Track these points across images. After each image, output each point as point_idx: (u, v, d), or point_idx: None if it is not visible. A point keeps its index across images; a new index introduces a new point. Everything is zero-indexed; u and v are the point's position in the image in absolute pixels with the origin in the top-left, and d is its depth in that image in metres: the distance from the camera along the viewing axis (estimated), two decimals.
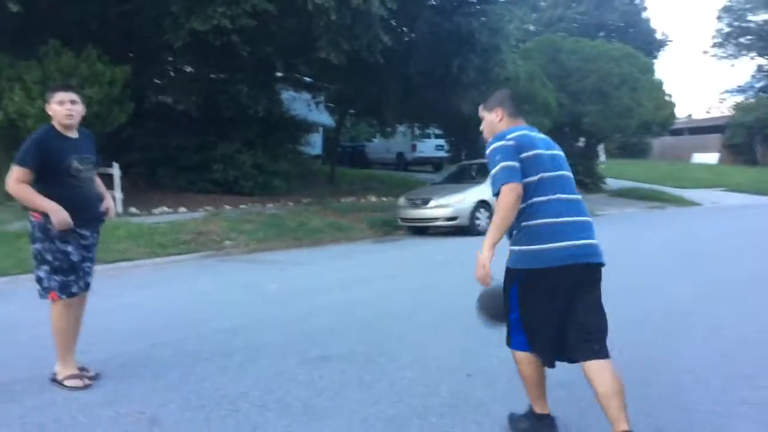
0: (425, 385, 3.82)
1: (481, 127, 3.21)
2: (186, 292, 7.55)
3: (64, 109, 3.86)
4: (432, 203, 13.09)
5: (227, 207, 14.40)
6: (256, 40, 13.54)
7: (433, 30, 15.51)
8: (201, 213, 13.40)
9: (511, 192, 2.77)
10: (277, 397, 3.66)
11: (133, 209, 13.25)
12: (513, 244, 2.94)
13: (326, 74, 17.91)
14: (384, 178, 22.22)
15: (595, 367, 2.76)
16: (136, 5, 12.87)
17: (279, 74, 18.01)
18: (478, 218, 12.98)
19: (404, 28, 16.09)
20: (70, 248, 3.85)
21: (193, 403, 3.58)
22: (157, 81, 16.96)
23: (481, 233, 12.83)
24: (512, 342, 3.02)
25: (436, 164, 27.31)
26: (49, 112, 3.92)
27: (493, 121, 3.13)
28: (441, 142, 26.59)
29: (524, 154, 2.87)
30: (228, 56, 14.22)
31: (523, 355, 2.99)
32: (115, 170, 13.05)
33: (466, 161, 18.44)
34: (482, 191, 13.21)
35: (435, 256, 10.43)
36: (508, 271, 2.97)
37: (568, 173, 3.00)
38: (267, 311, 6.15)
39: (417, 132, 25.15)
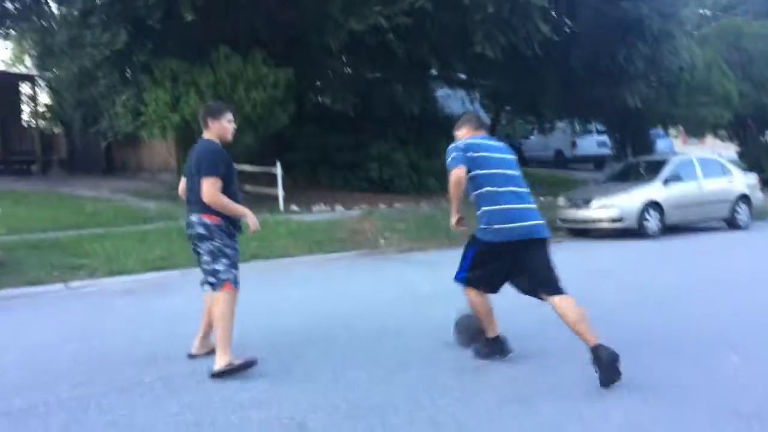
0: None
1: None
2: (340, 290, 7.57)
3: (231, 126, 4.41)
4: (594, 203, 12.23)
5: (382, 205, 14.47)
6: (412, 37, 13.45)
7: (597, 18, 14.54)
8: (357, 211, 13.57)
9: (453, 175, 4.06)
10: (429, 415, 3.41)
11: (293, 207, 13.72)
12: (478, 222, 4.16)
13: (481, 70, 17.46)
14: (542, 177, 21.31)
15: (557, 300, 3.94)
16: (299, 11, 13.30)
17: (433, 72, 17.85)
18: (647, 219, 11.93)
19: (565, 18, 15.23)
20: (237, 246, 4.36)
21: (342, 412, 3.44)
22: (316, 83, 17.49)
23: (651, 236, 11.81)
24: (457, 276, 4.33)
25: (598, 162, 25.79)
26: (214, 127, 4.33)
27: (461, 137, 4.36)
28: (604, 138, 25.06)
29: (471, 154, 4.12)
30: (383, 55, 14.29)
31: (470, 289, 4.29)
32: (278, 169, 13.57)
33: (632, 158, 17.14)
34: (652, 191, 12.11)
35: (599, 260, 9.69)
36: (472, 239, 4.28)
37: (518, 173, 4.24)
38: (419, 314, 5.96)
39: (577, 128, 23.90)
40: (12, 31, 17.69)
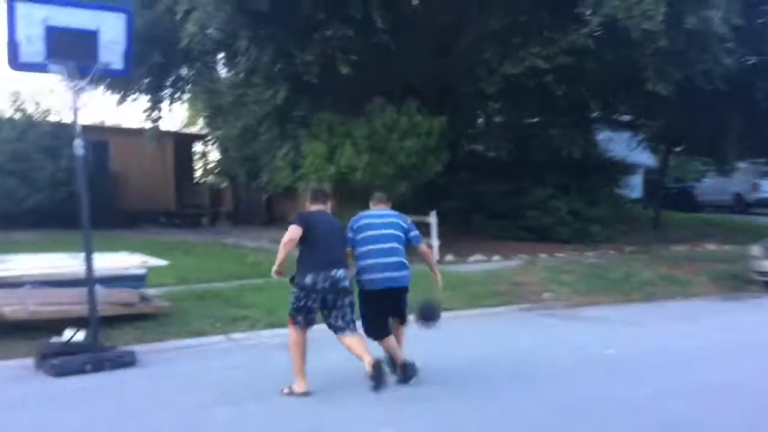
0: None
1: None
2: (505, 350, 6.87)
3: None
4: None
5: (542, 255, 13.56)
6: (571, 78, 12.69)
7: None
8: (515, 261, 12.79)
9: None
10: None
11: (449, 257, 13.24)
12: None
13: (649, 109, 16.19)
14: (721, 223, 19.23)
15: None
16: (452, 58, 13.10)
17: (595, 114, 16.82)
18: None
19: (748, 48, 13.72)
20: None
21: None
22: (469, 129, 17.14)
23: None
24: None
25: None
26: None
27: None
28: None
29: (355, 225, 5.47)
30: (540, 98, 13.63)
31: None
32: (433, 219, 13.21)
33: None
34: None
35: None
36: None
37: (389, 231, 5.38)
38: (606, 386, 5.12)
39: (762, 169, 21.43)
40: (187, 95, 19.16)
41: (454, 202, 15.70)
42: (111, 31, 6.22)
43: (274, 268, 5.23)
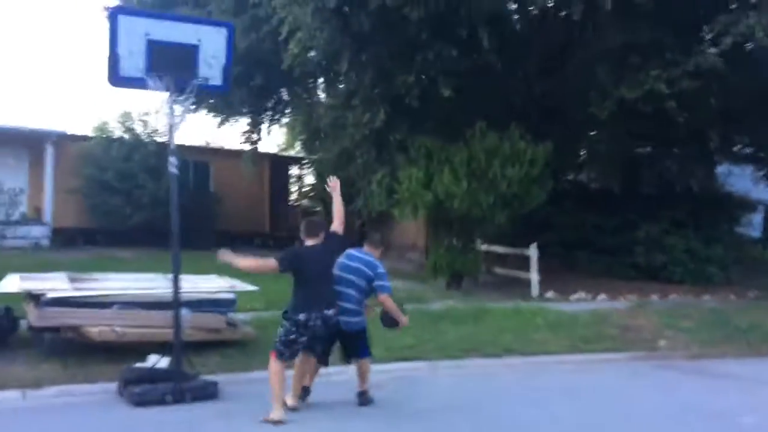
0: None
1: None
2: (618, 407, 6.04)
3: None
4: None
5: (654, 297, 12.42)
6: (694, 104, 11.62)
7: None
8: (623, 302, 11.75)
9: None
10: None
11: (549, 294, 12.37)
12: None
13: None
14: None
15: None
16: (559, 81, 12.36)
17: (715, 144, 15.49)
18: None
19: None
20: None
21: None
22: (575, 158, 16.21)
23: None
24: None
25: None
26: None
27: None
28: None
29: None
30: (657, 126, 12.59)
31: None
32: (533, 252, 12.42)
33: None
34: None
35: None
36: None
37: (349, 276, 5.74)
38: None
39: None
40: (286, 118, 19.33)
41: (556, 234, 14.82)
42: (211, 46, 6.02)
43: (233, 259, 5.31)
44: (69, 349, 6.62)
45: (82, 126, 34.78)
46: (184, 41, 5.87)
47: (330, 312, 5.35)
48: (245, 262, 5.50)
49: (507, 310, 10.43)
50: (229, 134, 29.77)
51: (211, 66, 6.05)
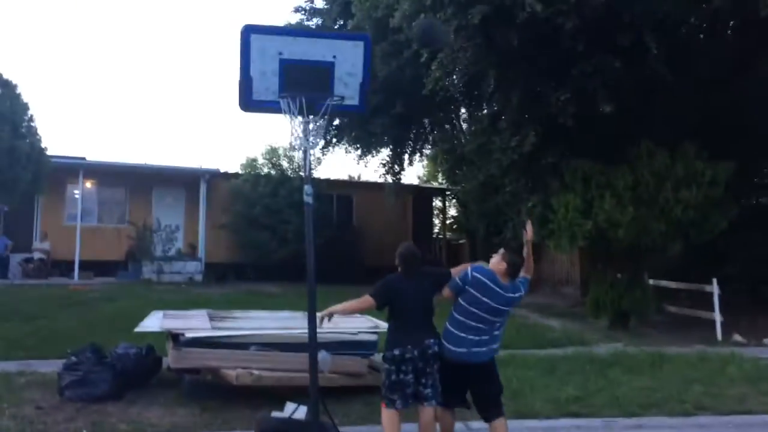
0: None
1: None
2: None
3: None
4: None
5: None
6: None
7: None
8: None
9: None
10: None
11: (736, 337, 10.59)
12: None
13: None
14: None
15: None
16: (740, 90, 10.71)
17: None
18: None
19: None
20: None
21: None
22: (756, 179, 14.14)
23: None
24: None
25: None
26: None
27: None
28: None
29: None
30: None
31: None
32: (714, 288, 10.73)
33: None
34: None
35: None
36: None
37: None
38: None
39: None
40: (427, 148, 18.81)
41: (737, 267, 12.87)
42: (347, 63, 5.45)
43: (333, 309, 4.92)
44: (209, 391, 6.28)
45: (233, 164, 36.74)
46: (318, 59, 5.36)
47: (430, 341, 4.70)
48: (343, 305, 5.05)
49: (690, 357, 8.92)
50: (371, 168, 30.05)
51: (347, 84, 5.48)
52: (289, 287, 15.68)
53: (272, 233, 16.91)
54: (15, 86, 9.50)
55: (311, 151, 5.50)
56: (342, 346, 6.52)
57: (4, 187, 9.25)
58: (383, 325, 7.27)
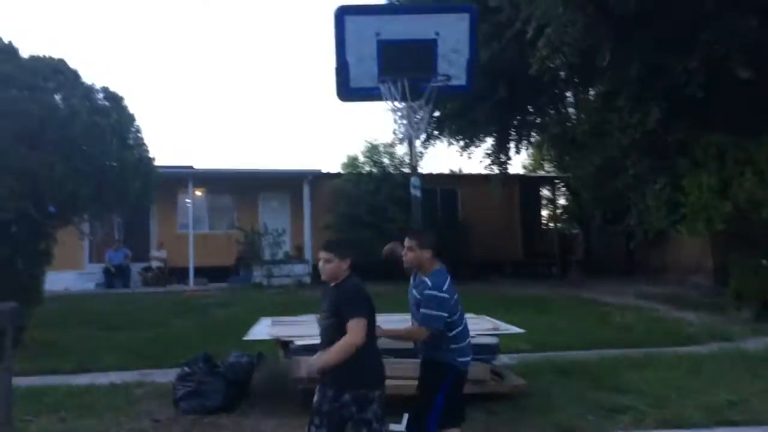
0: None
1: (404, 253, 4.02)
2: None
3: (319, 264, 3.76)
4: None
5: None
6: None
7: None
8: None
9: None
10: None
11: None
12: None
13: None
14: None
15: None
16: None
17: None
18: None
19: None
20: None
21: None
22: None
23: None
24: None
25: None
26: None
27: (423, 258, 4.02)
28: None
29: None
30: None
31: None
32: None
33: None
34: None
35: None
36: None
37: None
38: None
39: None
40: (533, 135, 17.89)
41: None
42: (451, 39, 4.96)
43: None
44: None
45: (335, 163, 37.13)
46: (419, 36, 4.90)
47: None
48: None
49: None
50: (474, 160, 29.13)
51: (452, 62, 4.99)
52: (394, 287, 15.31)
53: (376, 231, 16.61)
54: (121, 99, 9.66)
55: (416, 141, 5.04)
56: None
57: (116, 199, 9.42)
58: (504, 327, 6.69)
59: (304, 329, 6.60)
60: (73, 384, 6.99)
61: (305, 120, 57.27)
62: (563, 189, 21.47)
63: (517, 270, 18.71)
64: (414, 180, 4.91)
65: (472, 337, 6.27)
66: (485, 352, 6.15)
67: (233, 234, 17.56)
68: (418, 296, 4.01)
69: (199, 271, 16.91)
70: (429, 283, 3.93)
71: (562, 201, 22.87)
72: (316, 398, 3.72)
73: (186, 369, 6.21)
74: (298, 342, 5.95)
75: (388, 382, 5.64)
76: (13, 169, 8.01)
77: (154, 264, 17.54)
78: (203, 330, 10.46)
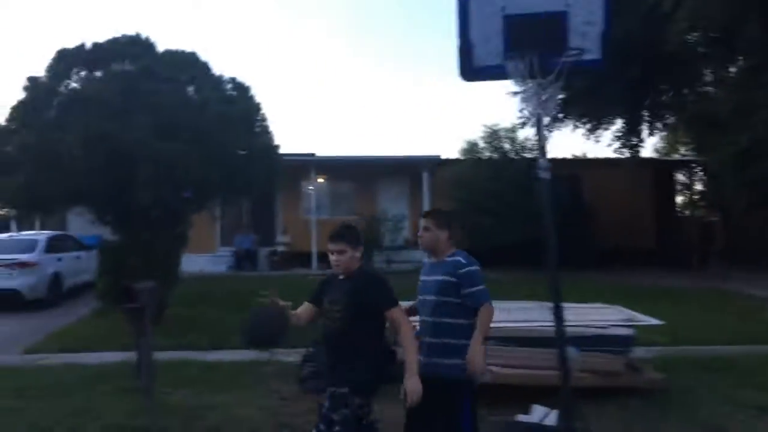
0: None
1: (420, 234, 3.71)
2: None
3: (331, 259, 3.48)
4: None
5: None
6: None
7: None
8: None
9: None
10: None
11: None
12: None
13: None
14: None
15: None
16: None
17: None
18: None
19: None
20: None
21: None
22: None
23: None
24: None
25: None
26: None
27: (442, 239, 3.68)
28: None
29: None
30: None
31: None
32: None
33: None
34: None
35: None
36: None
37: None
38: None
39: None
40: (667, 116, 16.74)
41: None
42: (583, 9, 4.63)
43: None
44: None
45: (453, 150, 36.88)
46: (548, 8, 4.61)
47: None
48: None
49: None
50: (601, 144, 27.78)
51: (585, 35, 4.64)
52: (516, 274, 14.91)
53: (496, 218, 16.27)
54: (248, 88, 10.02)
55: (544, 120, 4.76)
56: (592, 342, 5.67)
57: (244, 185, 9.80)
58: (641, 318, 6.27)
59: None
60: (207, 360, 7.36)
61: (424, 107, 57.29)
62: (700, 173, 20.01)
63: (649, 259, 17.65)
64: (542, 162, 4.64)
65: (603, 328, 5.97)
66: (619, 343, 5.79)
67: (353, 220, 17.86)
68: (450, 278, 3.58)
69: (322, 256, 17.35)
70: (462, 260, 3.61)
71: (699, 186, 21.34)
72: None
73: (311, 349, 6.34)
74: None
75: (520, 371, 5.48)
76: (152, 158, 8.51)
77: (280, 248, 18.21)
78: None
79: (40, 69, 9.30)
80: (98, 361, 7.58)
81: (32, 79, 9.01)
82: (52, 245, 12.78)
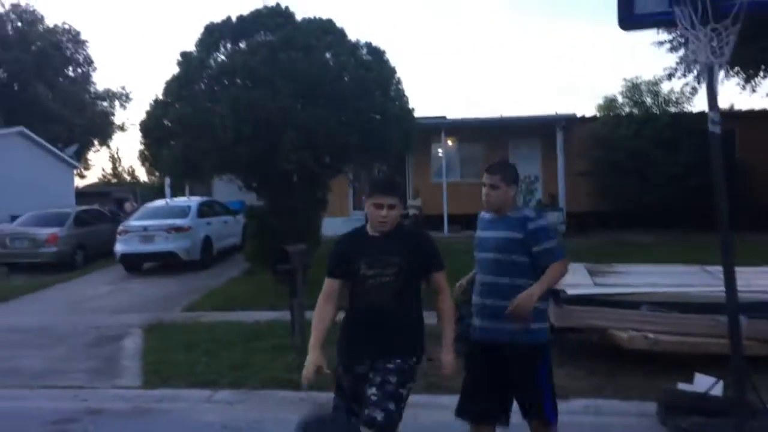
0: None
1: (487, 192, 3.38)
2: None
3: (379, 215, 3.03)
4: None
5: None
6: None
7: None
8: None
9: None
10: None
11: None
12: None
13: None
14: None
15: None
16: None
17: None
18: None
19: None
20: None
21: None
22: None
23: None
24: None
25: None
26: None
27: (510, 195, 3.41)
28: None
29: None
30: None
31: None
32: None
33: None
34: None
35: None
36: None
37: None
38: None
39: None
40: None
41: None
42: None
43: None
44: (591, 353, 5.71)
45: (588, 107, 35.29)
46: None
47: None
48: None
49: None
50: (757, 95, 25.04)
51: None
52: (662, 235, 14.13)
53: (638, 177, 15.41)
54: (383, 53, 10.06)
55: (717, 70, 4.37)
56: (759, 308, 5.28)
57: (379, 149, 9.92)
58: None
59: (576, 278, 6.32)
60: None
61: (558, 64, 55.12)
62: None
63: None
64: (713, 115, 4.31)
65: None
66: None
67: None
68: (515, 234, 3.26)
69: (452, 219, 17.30)
70: (531, 214, 3.35)
71: None
72: None
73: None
74: (571, 291, 5.69)
75: (680, 338, 5.21)
76: (294, 125, 8.80)
77: (411, 212, 18.32)
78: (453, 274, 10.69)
79: (191, 45, 9.86)
80: (252, 319, 8.07)
81: (184, 55, 9.56)
82: (203, 211, 13.66)
